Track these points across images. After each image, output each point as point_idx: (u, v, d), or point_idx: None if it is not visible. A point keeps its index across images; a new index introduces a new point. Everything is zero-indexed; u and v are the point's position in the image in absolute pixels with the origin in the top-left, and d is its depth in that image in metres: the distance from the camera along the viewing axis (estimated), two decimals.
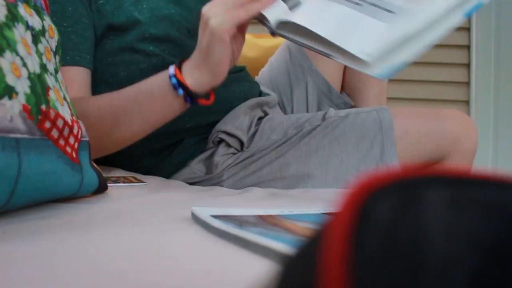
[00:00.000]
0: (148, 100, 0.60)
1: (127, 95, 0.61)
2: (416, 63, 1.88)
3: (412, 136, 0.72)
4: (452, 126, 0.75)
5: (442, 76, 1.78)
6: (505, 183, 0.11)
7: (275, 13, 0.52)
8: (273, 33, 0.54)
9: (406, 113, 0.76)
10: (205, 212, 0.36)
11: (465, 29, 1.75)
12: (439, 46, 1.87)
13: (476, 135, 0.78)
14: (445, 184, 0.11)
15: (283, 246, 0.27)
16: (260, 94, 0.82)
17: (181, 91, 0.58)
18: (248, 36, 0.63)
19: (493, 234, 0.10)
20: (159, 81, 0.60)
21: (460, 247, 0.10)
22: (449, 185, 0.11)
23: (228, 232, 0.31)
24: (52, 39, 0.44)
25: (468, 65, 1.76)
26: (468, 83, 1.76)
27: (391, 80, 1.75)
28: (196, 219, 0.36)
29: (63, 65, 0.57)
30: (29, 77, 0.37)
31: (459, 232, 0.10)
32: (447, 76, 1.76)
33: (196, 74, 0.58)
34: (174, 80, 0.58)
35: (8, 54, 0.36)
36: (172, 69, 0.58)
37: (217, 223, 0.33)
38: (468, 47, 1.76)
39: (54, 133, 0.39)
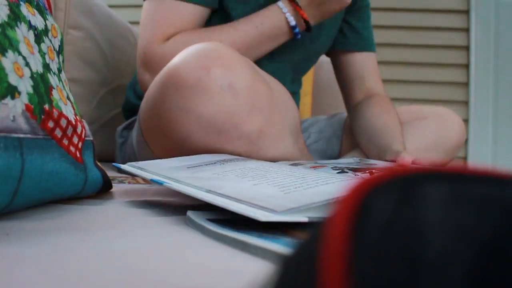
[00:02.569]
0: (267, 40, 0.72)
1: (249, 35, 0.71)
2: (415, 64, 1.90)
3: None
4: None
5: (441, 76, 1.78)
6: (503, 179, 0.12)
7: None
8: None
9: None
10: (200, 216, 0.35)
11: (464, 29, 1.76)
12: (438, 47, 1.89)
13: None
14: (444, 180, 0.12)
15: (283, 248, 0.26)
16: None
17: (297, 30, 0.72)
18: None
19: (490, 229, 0.10)
20: (275, 21, 0.72)
21: (458, 242, 0.10)
22: (447, 181, 0.11)
23: (226, 235, 0.31)
24: (55, 38, 0.44)
25: (467, 66, 1.77)
26: (467, 84, 1.77)
27: (390, 80, 1.76)
28: (192, 223, 0.36)
29: None
30: (32, 77, 0.37)
31: (457, 228, 0.10)
32: (446, 77, 1.77)
33: (311, 11, 0.73)
34: (293, 22, 0.71)
35: (10, 53, 0.35)
36: (286, 8, 0.71)
37: (213, 227, 0.32)
38: (467, 48, 1.77)
39: (58, 133, 0.39)
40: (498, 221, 0.10)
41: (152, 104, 0.60)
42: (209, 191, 0.33)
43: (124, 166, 0.45)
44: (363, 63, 0.93)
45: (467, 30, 1.75)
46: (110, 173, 0.67)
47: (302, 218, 0.30)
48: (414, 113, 0.90)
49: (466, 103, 1.76)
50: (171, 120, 0.57)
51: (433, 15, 1.76)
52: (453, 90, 1.77)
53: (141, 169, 0.43)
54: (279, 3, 0.72)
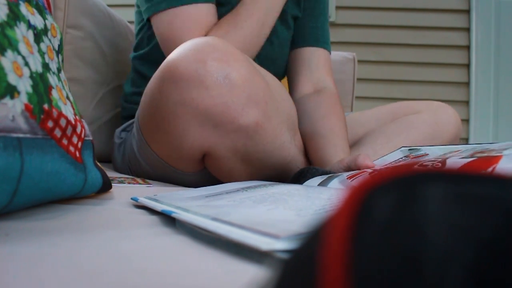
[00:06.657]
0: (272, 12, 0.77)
1: (255, 12, 0.75)
2: (416, 63, 1.90)
3: None
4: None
5: (442, 76, 1.78)
6: (503, 179, 0.12)
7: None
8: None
9: None
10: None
11: (465, 29, 1.76)
12: (439, 46, 1.89)
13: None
14: (444, 180, 0.12)
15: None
16: None
17: None
18: None
19: (491, 229, 0.10)
20: None
21: (457, 242, 0.10)
22: (447, 181, 0.11)
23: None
24: (54, 38, 0.44)
25: (468, 66, 1.77)
26: (468, 83, 1.77)
27: (390, 80, 1.76)
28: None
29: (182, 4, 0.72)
30: (31, 76, 0.37)
31: (457, 228, 0.10)
32: (447, 77, 1.77)
33: None
34: None
35: (9, 53, 0.35)
36: None
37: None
38: (468, 48, 1.77)
39: (57, 133, 0.39)
40: (498, 220, 0.11)
41: (150, 99, 0.60)
42: (214, 219, 0.31)
43: (141, 200, 0.44)
44: (311, 56, 0.92)
45: (467, 29, 1.75)
46: (110, 173, 0.67)
47: None
48: (409, 108, 0.89)
49: (467, 102, 1.76)
50: (168, 114, 0.57)
51: (433, 14, 1.76)
52: (454, 90, 1.77)
53: (156, 200, 0.42)
54: None
